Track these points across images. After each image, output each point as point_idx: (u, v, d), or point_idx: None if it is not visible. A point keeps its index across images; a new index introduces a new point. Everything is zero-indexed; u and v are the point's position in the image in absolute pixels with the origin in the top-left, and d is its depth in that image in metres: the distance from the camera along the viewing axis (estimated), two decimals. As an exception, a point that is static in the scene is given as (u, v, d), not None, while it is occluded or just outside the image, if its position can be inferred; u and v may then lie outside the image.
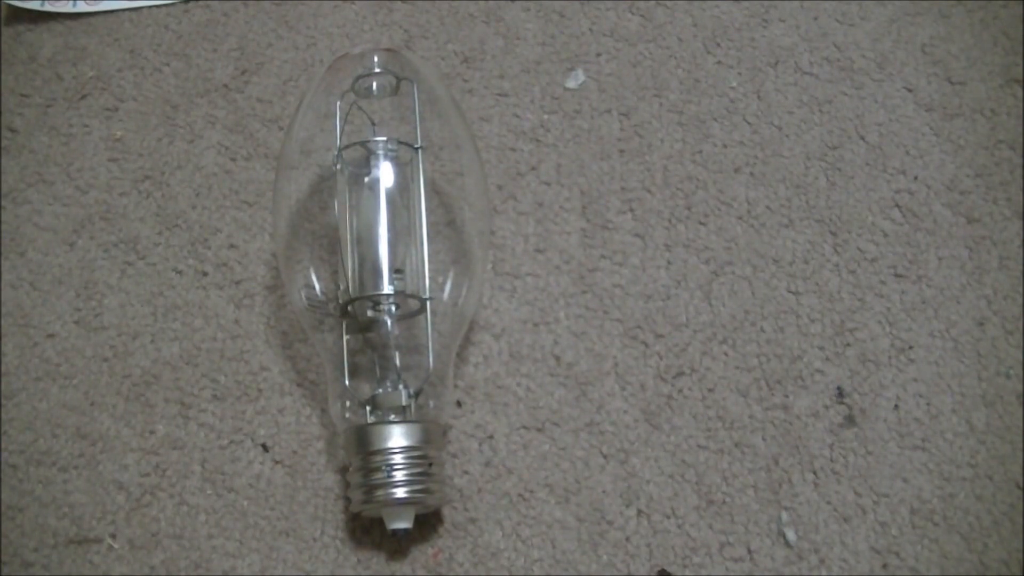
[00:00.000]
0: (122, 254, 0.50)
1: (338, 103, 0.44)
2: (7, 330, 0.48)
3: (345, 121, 0.44)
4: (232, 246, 0.50)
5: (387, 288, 0.42)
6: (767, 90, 0.53)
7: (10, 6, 0.57)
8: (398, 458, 0.40)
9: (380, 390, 0.42)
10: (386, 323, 0.43)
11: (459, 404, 0.46)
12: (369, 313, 0.43)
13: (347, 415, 0.42)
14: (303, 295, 0.44)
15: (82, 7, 0.57)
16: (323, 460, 0.45)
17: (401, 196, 0.44)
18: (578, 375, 0.46)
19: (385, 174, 0.43)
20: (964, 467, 0.44)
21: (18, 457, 0.46)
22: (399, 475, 0.40)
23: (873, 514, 0.44)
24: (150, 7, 0.57)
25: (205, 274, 0.49)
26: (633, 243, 0.49)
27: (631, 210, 0.50)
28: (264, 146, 0.52)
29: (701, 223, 0.50)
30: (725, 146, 0.52)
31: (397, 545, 0.43)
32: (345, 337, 0.42)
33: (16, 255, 0.50)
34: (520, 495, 0.44)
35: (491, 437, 0.45)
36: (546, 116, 0.53)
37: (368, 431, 0.40)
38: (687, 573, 0.43)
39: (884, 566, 0.43)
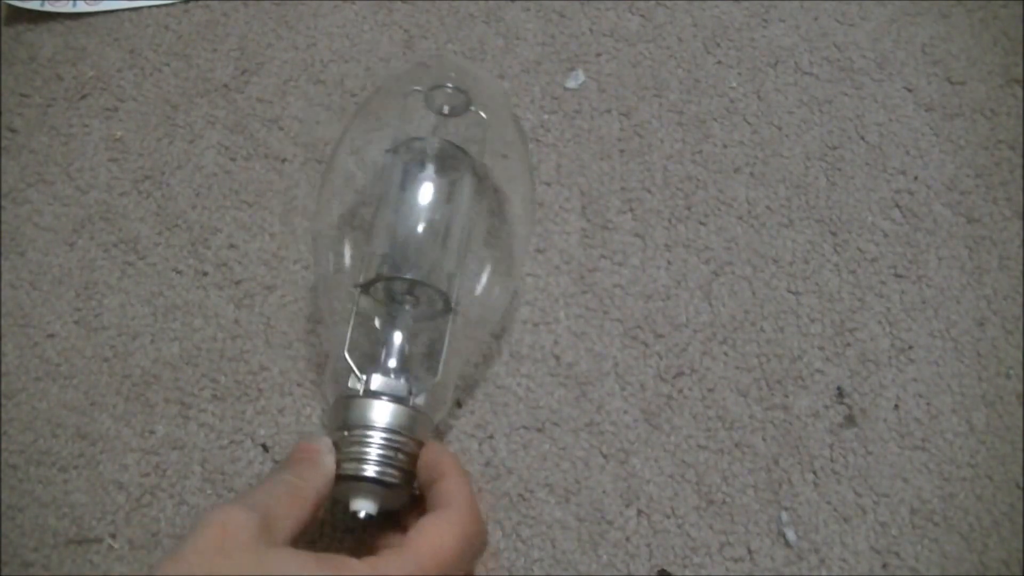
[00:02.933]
0: (122, 254, 0.50)
1: (407, 100, 0.44)
2: (7, 330, 0.48)
3: (411, 118, 0.44)
4: (232, 246, 0.50)
5: (413, 275, 0.41)
6: (767, 90, 0.53)
7: (10, 6, 0.57)
8: (376, 436, 0.38)
9: (380, 374, 0.40)
10: (405, 312, 0.42)
11: (459, 404, 0.46)
12: (393, 300, 0.42)
13: (339, 385, 0.41)
14: (331, 262, 0.43)
15: (82, 7, 0.57)
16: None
17: (449, 200, 0.43)
18: (578, 375, 0.46)
19: (438, 174, 0.43)
20: (964, 467, 0.44)
21: (18, 457, 0.45)
22: (372, 452, 0.37)
23: (873, 514, 0.44)
24: (150, 7, 0.57)
25: (205, 274, 0.49)
26: (633, 243, 0.49)
27: (631, 210, 0.50)
28: (264, 146, 0.52)
29: (701, 223, 0.50)
30: (725, 146, 0.52)
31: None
32: (356, 309, 0.41)
33: (16, 255, 0.50)
34: (520, 495, 0.44)
35: (491, 437, 0.45)
36: (546, 116, 0.53)
37: (355, 403, 0.39)
38: (687, 573, 0.43)
39: (884, 566, 0.43)
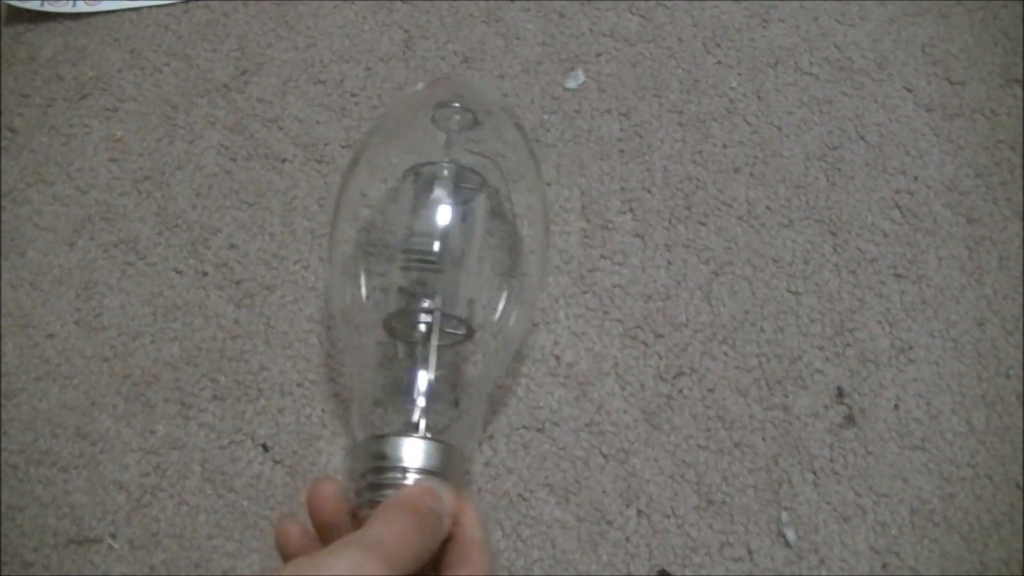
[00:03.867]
0: (122, 254, 0.50)
1: (418, 122, 0.44)
2: (7, 330, 0.48)
3: (422, 141, 0.43)
4: (232, 246, 0.50)
5: (432, 303, 0.40)
6: (767, 90, 0.53)
7: (10, 6, 0.57)
8: (407, 476, 0.36)
9: (407, 409, 0.39)
10: (428, 342, 0.40)
11: (457, 403, 0.46)
12: (414, 330, 0.41)
13: (366, 422, 0.40)
14: (350, 294, 0.43)
15: (82, 7, 0.57)
16: (323, 460, 0.45)
17: (462, 222, 0.42)
18: (578, 375, 0.46)
19: (450, 196, 0.42)
20: (964, 467, 0.44)
21: (18, 457, 0.45)
22: (381, 488, 0.36)
23: (873, 514, 0.44)
24: (150, 7, 0.57)
25: (205, 274, 0.49)
26: (633, 243, 0.49)
27: (631, 210, 0.50)
28: (264, 146, 0.52)
29: (701, 223, 0.50)
30: (725, 146, 0.52)
31: None
32: (380, 343, 0.40)
33: (16, 255, 0.50)
34: (520, 495, 0.44)
35: (491, 437, 0.45)
36: (546, 116, 0.53)
37: (385, 443, 0.37)
38: (687, 573, 0.43)
39: (884, 566, 0.43)
